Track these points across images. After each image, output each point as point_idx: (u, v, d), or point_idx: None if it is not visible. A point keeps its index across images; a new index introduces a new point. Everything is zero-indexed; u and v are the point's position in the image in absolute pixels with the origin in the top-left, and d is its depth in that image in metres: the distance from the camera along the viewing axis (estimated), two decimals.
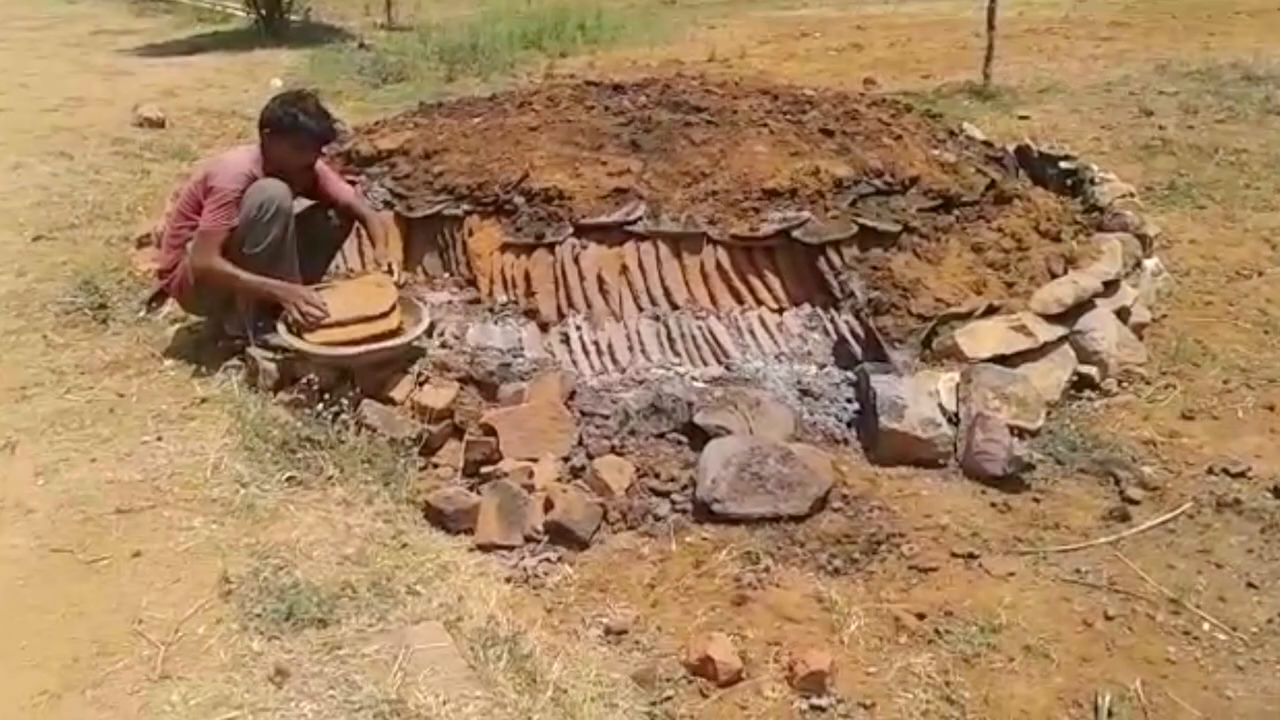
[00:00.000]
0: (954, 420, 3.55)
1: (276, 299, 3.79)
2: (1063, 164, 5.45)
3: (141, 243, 5.18)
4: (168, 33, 13.10)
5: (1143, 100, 8.24)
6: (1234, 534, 3.13)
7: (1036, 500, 3.31)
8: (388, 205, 4.65)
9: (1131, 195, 5.17)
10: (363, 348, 3.65)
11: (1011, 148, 5.61)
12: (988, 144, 5.47)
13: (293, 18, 13.29)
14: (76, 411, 3.72)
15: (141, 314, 4.42)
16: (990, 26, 8.85)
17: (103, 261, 5.12)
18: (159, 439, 3.55)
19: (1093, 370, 3.93)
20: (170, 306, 4.33)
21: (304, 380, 3.59)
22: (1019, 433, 3.50)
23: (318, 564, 2.92)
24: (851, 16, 13.39)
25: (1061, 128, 7.63)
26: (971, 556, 3.01)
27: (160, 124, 8.07)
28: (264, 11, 13.07)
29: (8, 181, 6.60)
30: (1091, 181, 5.21)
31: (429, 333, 3.94)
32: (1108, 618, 2.77)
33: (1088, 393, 3.90)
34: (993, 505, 3.28)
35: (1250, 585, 2.90)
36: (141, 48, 11.87)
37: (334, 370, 3.67)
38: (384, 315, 3.73)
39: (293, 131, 3.89)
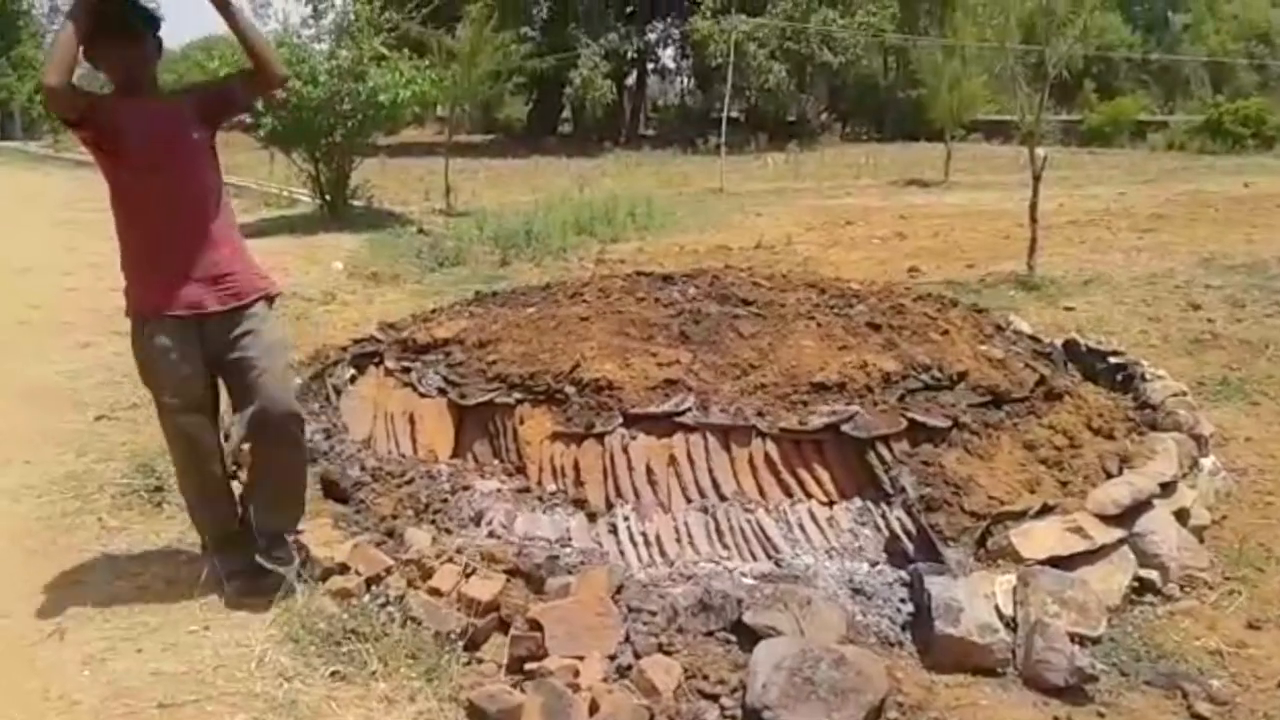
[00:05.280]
0: (1011, 625, 3.45)
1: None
2: (1111, 359, 5.46)
3: None
4: (235, 216, 13.66)
5: (1189, 293, 8.30)
6: None
7: (1101, 714, 3.17)
8: (441, 392, 4.74)
9: (1184, 393, 5.13)
10: None
11: (1059, 342, 5.63)
12: (1035, 339, 5.50)
13: (356, 203, 13.86)
14: (126, 598, 3.74)
15: None
16: (1033, 220, 9.02)
17: (161, 443, 5.20)
18: (206, 628, 3.54)
19: (1154, 574, 3.82)
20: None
21: None
22: (1080, 640, 3.38)
23: None
24: (894, 206, 13.76)
25: (1108, 320, 7.68)
26: None
27: None
28: (328, 197, 13.66)
29: (76, 360, 6.83)
30: (1142, 378, 5.19)
31: None
32: None
33: (1149, 598, 3.78)
34: (1055, 719, 3.15)
35: None
36: None
37: None
38: None
39: None
